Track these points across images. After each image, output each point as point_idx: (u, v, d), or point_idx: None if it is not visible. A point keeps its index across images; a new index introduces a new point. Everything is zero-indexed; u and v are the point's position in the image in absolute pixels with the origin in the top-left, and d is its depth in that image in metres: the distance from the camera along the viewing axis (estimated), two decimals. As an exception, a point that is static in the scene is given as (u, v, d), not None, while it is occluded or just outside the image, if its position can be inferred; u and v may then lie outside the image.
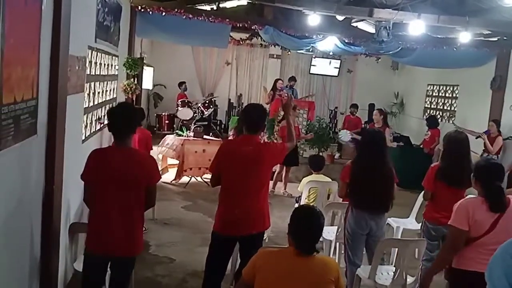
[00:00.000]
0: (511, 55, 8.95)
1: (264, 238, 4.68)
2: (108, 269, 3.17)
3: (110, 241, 3.00)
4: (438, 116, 11.23)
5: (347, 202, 4.99)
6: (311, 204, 5.43)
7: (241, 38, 10.95)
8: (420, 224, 5.41)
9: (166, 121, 11.44)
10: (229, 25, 8.49)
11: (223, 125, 12.54)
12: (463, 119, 10.21)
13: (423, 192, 4.61)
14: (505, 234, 2.95)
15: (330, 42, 9.15)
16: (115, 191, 2.97)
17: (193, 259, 4.93)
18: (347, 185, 4.14)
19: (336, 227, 4.98)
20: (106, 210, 3.00)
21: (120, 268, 3.13)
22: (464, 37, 7.56)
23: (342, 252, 5.03)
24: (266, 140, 8.23)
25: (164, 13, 7.90)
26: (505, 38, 8.80)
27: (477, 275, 2.97)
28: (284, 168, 8.36)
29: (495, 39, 8.95)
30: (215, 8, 9.20)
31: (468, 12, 7.09)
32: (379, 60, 11.34)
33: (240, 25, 8.50)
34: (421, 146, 9.73)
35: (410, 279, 3.89)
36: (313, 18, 7.24)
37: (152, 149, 6.07)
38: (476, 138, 7.90)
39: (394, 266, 3.93)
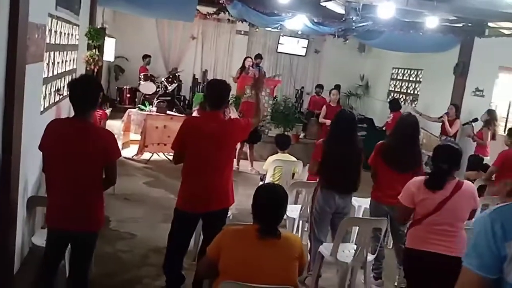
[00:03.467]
0: (474, 42, 9.24)
1: (228, 215, 4.75)
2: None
3: (67, 217, 2.96)
4: (402, 100, 11.52)
5: (313, 181, 5.13)
6: (276, 182, 5.53)
7: (208, 12, 10.79)
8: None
9: (128, 95, 11.26)
10: (196, -3, 8.36)
11: (187, 101, 12.41)
12: (425, 103, 10.53)
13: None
14: (451, 215, 3.13)
15: (299, 21, 9.15)
16: (70, 166, 2.90)
17: (155, 235, 4.94)
18: (318, 164, 4.22)
19: (300, 205, 5.10)
20: (62, 184, 2.95)
21: (80, 244, 3.07)
22: (432, 22, 7.73)
23: (305, 229, 5.18)
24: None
25: (128, -18, 7.70)
26: (469, 24, 9.05)
27: (427, 254, 3.14)
28: (248, 145, 8.42)
29: (460, 25, 9.19)
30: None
31: (437, -4, 7.22)
32: (347, 41, 11.46)
33: (208, -1, 8.40)
34: (384, 128, 9.98)
35: (370, 257, 4.05)
36: (283, -5, 7.22)
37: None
38: (439, 118, 8.26)
39: (356, 244, 4.07)
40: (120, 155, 3.17)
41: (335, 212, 4.21)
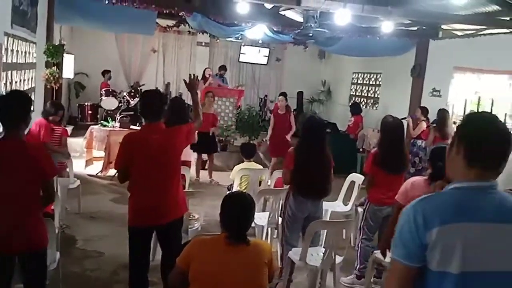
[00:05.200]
0: (429, 44, 9.62)
1: (197, 227, 4.79)
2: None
3: (5, 238, 2.85)
4: (363, 103, 11.83)
5: (280, 188, 5.22)
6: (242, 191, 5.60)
7: (167, 25, 10.83)
8: (350, 206, 5.80)
9: (89, 112, 11.14)
10: (155, 11, 8.37)
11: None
12: (385, 105, 10.83)
13: (363, 178, 4.90)
14: None
15: (259, 30, 9.29)
16: (3, 186, 2.83)
17: (124, 251, 4.79)
18: (290, 172, 4.30)
19: (268, 213, 5.17)
20: None
21: (26, 265, 2.98)
22: (387, 26, 8.00)
23: (275, 236, 5.25)
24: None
25: (85, -2, 7.64)
26: (424, 28, 9.42)
27: None
28: (208, 156, 8.44)
29: (415, 28, 9.55)
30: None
31: (391, 2, 7.50)
32: (307, 49, 11.69)
33: (167, 12, 8.40)
34: (347, 132, 10.22)
35: (338, 259, 4.15)
36: (242, 6, 7.31)
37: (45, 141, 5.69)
38: (401, 119, 8.43)
39: (324, 247, 4.17)
40: (56, 171, 3.12)
41: (307, 217, 4.30)
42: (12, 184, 2.84)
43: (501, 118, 7.84)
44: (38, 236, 3.00)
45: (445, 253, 1.57)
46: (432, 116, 8.20)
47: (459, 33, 8.94)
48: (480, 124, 1.69)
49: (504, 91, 7.46)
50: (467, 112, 8.55)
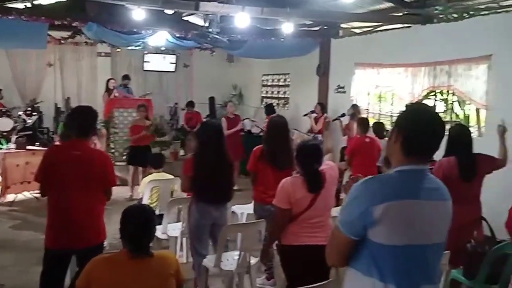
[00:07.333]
0: (331, 43, 10.12)
1: (105, 245, 4.67)
2: None
3: None
4: (275, 104, 12.16)
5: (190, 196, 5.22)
6: (154, 204, 5.57)
7: (62, 37, 10.45)
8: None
9: (-19, 135, 10.41)
10: (46, 23, 8.02)
11: (51, 133, 11.83)
12: (296, 104, 11.25)
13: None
14: (322, 208, 3.42)
15: (161, 37, 9.24)
16: None
17: (29, 279, 4.64)
18: (189, 179, 4.31)
19: (181, 222, 5.16)
20: None
21: None
22: (287, 27, 8.29)
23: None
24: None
25: (-36, 13, 7.16)
26: (325, 27, 9.90)
27: (303, 248, 3.38)
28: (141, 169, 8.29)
29: (317, 28, 10.00)
30: (29, 5, 8.57)
31: (289, 4, 7.79)
32: (214, 53, 11.79)
33: (60, 23, 8.09)
34: (261, 134, 10.45)
35: (253, 260, 4.25)
36: (138, 13, 7.21)
37: None
38: (304, 115, 9.31)
39: (238, 250, 4.25)
40: None
41: (213, 224, 4.33)
42: None
43: (402, 109, 8.48)
44: None
45: (392, 228, 1.81)
46: (337, 111, 8.76)
47: (357, 31, 9.50)
48: (418, 118, 1.94)
49: (402, 83, 8.03)
50: (370, 104, 9.18)
